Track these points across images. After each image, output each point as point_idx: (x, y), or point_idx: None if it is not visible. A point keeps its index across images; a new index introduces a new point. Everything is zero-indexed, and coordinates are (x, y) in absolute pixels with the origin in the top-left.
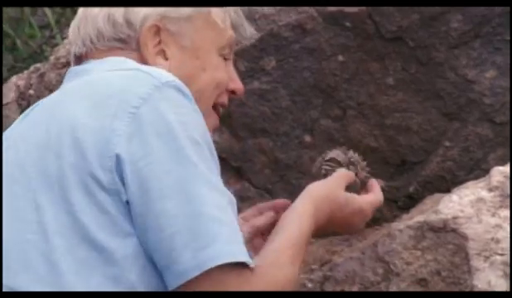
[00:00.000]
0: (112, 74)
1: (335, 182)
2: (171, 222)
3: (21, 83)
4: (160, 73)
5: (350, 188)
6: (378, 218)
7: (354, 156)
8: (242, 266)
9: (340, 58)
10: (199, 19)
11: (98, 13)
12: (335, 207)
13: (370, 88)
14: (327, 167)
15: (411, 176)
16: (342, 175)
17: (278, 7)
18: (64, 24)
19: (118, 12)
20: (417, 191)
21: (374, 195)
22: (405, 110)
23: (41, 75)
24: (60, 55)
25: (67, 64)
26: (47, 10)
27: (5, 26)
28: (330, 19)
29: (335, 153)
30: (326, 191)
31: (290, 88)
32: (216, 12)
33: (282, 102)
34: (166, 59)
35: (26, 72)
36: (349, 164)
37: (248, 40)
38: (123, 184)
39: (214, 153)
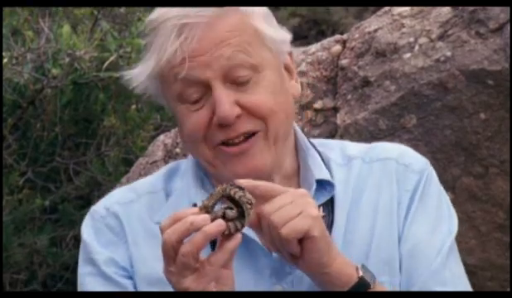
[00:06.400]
0: None
1: None
2: None
3: (169, 141)
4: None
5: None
6: None
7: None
8: None
9: (483, 116)
10: (159, 84)
11: None
12: None
13: None
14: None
15: None
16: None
17: (420, 65)
18: None
19: None
20: None
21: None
22: None
23: None
24: None
25: None
26: None
27: None
28: (472, 77)
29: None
30: None
31: (431, 145)
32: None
33: None
34: None
35: (172, 131)
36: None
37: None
38: None
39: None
